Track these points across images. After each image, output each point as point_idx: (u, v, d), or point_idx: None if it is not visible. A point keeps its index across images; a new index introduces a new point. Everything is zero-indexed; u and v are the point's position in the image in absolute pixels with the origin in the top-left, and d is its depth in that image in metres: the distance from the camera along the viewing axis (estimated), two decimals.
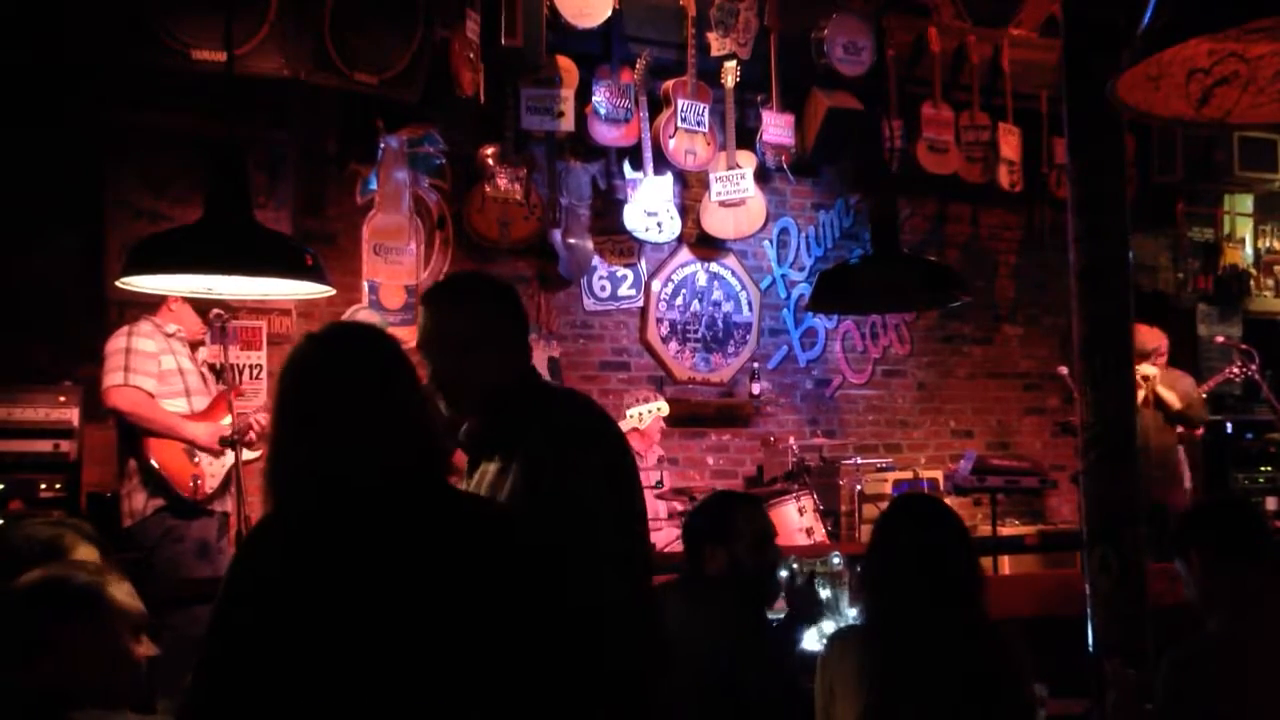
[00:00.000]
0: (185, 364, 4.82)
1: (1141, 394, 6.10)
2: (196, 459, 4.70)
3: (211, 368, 4.93)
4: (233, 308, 4.93)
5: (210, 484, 4.71)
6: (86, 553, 2.53)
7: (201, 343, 4.89)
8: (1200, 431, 6.73)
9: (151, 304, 4.77)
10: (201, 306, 4.76)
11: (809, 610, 3.52)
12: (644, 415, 5.99)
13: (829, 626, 3.55)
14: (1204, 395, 6.60)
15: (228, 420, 4.59)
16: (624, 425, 5.78)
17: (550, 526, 2.07)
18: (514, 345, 2.31)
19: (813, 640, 3.53)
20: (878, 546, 2.70)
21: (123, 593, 2.14)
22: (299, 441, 1.79)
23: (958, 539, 2.66)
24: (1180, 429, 6.44)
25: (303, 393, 1.82)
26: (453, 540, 1.79)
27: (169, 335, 4.81)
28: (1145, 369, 6.15)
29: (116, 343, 4.72)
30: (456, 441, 2.38)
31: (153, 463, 4.64)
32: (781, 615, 3.54)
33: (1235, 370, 6.56)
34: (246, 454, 4.50)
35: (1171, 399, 6.26)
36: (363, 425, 1.79)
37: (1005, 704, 2.59)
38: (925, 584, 2.57)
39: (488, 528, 1.86)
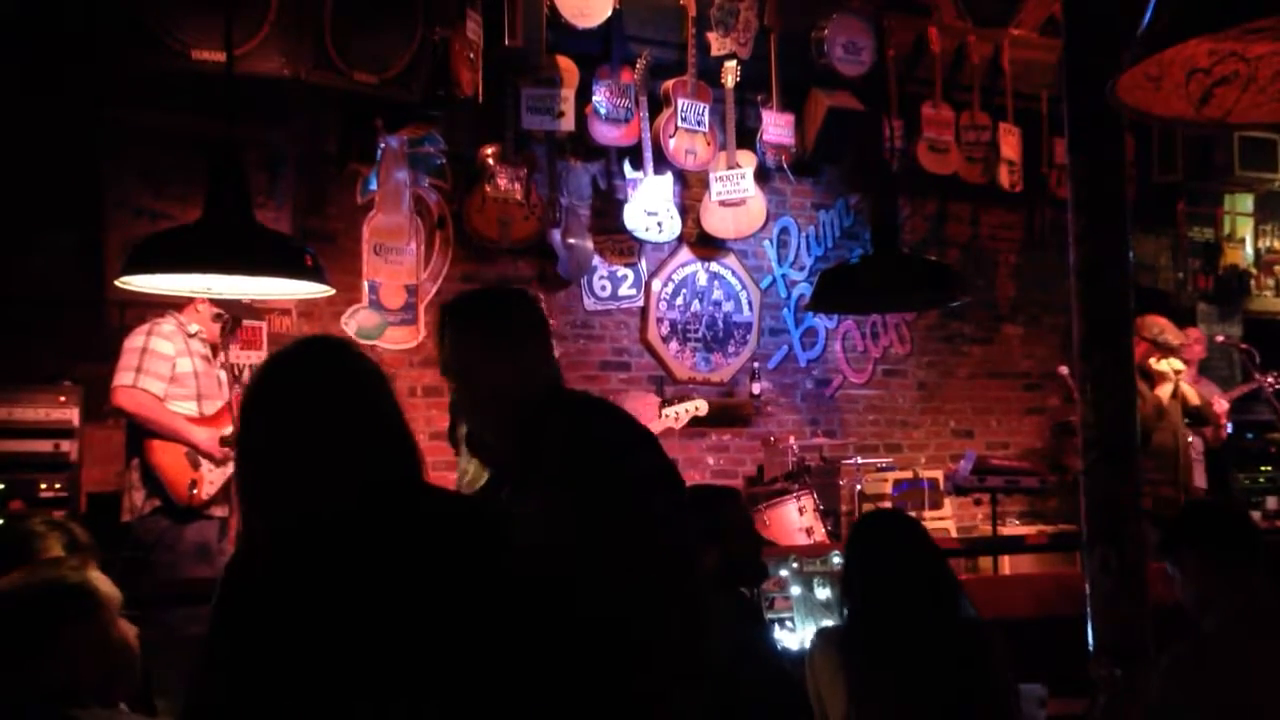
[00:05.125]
0: (200, 366, 4.80)
1: (1170, 386, 6.16)
2: (198, 465, 4.69)
3: (230, 369, 4.92)
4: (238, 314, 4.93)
5: (208, 490, 4.69)
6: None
7: (219, 346, 4.88)
8: (1225, 434, 6.81)
9: (153, 304, 4.76)
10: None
11: None
12: (680, 414, 5.95)
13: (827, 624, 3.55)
14: (1228, 403, 6.73)
15: (230, 430, 4.60)
16: (658, 426, 5.76)
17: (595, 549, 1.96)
18: (536, 356, 2.19)
19: (806, 638, 3.52)
20: (848, 557, 2.86)
21: (104, 583, 2.16)
22: (277, 459, 1.77)
23: (920, 546, 2.79)
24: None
25: (275, 413, 1.80)
26: (442, 549, 1.77)
27: (190, 335, 4.79)
28: (1175, 363, 6.21)
29: (134, 341, 4.70)
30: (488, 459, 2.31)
31: (152, 464, 4.64)
32: (782, 616, 3.54)
33: (1271, 380, 6.65)
34: None
35: (1191, 394, 6.37)
36: (340, 438, 1.77)
37: (984, 699, 2.62)
38: (894, 588, 2.70)
39: (478, 531, 1.84)
